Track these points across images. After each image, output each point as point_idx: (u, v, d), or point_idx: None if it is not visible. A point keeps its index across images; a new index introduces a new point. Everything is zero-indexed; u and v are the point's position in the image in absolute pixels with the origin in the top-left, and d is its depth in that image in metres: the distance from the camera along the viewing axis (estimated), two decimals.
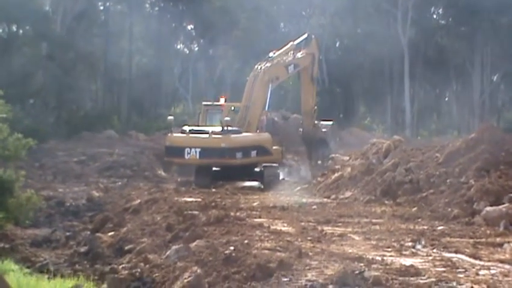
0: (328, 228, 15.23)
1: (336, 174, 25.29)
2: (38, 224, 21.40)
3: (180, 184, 29.76)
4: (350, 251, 12.42)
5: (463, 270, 10.95)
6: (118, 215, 20.55)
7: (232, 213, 16.96)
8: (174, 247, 13.48)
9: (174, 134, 28.81)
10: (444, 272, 10.75)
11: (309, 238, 13.82)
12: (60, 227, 21.08)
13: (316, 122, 35.05)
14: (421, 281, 10.02)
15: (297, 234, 14.36)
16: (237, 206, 19.54)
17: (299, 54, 33.05)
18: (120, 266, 13.83)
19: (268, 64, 31.28)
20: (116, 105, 63.98)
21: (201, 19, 63.52)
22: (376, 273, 10.01)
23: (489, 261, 11.75)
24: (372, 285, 9.61)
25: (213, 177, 28.94)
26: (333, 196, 22.91)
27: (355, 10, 64.36)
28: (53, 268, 14.80)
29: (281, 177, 30.00)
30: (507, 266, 11.31)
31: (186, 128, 28.89)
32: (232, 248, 12.16)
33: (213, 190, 25.77)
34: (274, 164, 29.60)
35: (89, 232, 19.33)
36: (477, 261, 11.70)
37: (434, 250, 12.70)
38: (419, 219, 16.80)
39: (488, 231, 14.77)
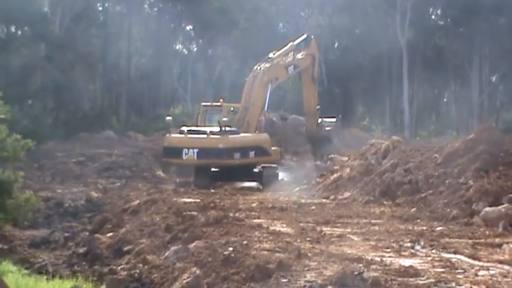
0: (327, 229, 15.21)
1: (335, 175, 25.30)
2: (37, 225, 21.42)
3: (178, 185, 29.75)
4: (349, 251, 12.41)
5: (462, 270, 10.94)
6: (117, 215, 20.54)
7: (231, 214, 16.93)
8: (173, 248, 13.47)
9: (172, 135, 28.83)
10: (443, 272, 10.73)
11: (308, 239, 13.80)
12: (58, 228, 21.11)
13: (319, 121, 35.10)
14: (420, 282, 10.01)
15: (296, 235, 14.34)
16: (236, 207, 19.52)
17: (299, 55, 33.05)
18: (119, 267, 13.83)
19: (267, 65, 31.29)
20: (114, 106, 63.98)
21: (200, 19, 63.51)
22: (375, 274, 10.00)
23: (488, 261, 11.74)
24: (371, 286, 9.59)
25: (212, 178, 28.94)
26: (332, 197, 22.91)
27: (353, 10, 64.31)
28: (51, 269, 14.83)
29: (280, 177, 29.97)
30: (506, 267, 11.30)
31: (184, 129, 28.92)
32: (231, 248, 12.15)
33: (212, 191, 25.75)
34: (273, 165, 29.60)
35: (87, 233, 19.37)
36: (476, 262, 11.68)
37: (434, 251, 12.68)
38: (418, 220, 16.79)
39: (487, 232, 14.76)
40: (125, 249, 15.77)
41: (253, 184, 28.97)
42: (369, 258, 11.60)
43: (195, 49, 73.69)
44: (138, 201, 21.70)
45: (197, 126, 30.06)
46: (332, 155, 32.51)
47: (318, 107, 34.93)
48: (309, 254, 11.91)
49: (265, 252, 11.98)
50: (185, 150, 27.63)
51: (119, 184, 32.02)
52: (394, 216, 17.47)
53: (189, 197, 22.25)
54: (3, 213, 18.40)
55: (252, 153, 28.58)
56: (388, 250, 12.71)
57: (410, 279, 10.15)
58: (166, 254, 13.40)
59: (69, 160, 36.68)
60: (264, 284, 10.31)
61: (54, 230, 20.69)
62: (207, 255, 12.21)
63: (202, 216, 16.26)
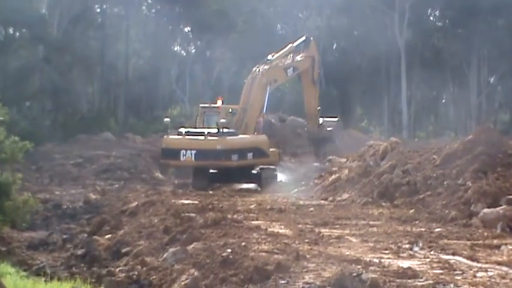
0: (325, 231, 15.22)
1: (333, 176, 25.30)
2: (35, 226, 21.42)
3: (177, 186, 29.73)
4: (347, 253, 12.41)
5: (461, 272, 10.94)
6: (115, 217, 20.54)
7: (229, 216, 16.93)
8: (171, 250, 13.47)
9: (170, 136, 28.82)
10: (442, 274, 10.74)
11: (306, 240, 13.81)
12: (57, 230, 21.11)
13: (321, 121, 35.13)
14: (419, 283, 10.02)
15: (294, 236, 14.34)
16: (234, 209, 19.53)
17: (298, 57, 33.06)
18: (117, 269, 13.83)
19: (266, 67, 31.30)
20: (112, 108, 63.90)
21: (198, 21, 63.45)
22: (373, 276, 10.00)
23: (486, 263, 11.75)
24: None
25: (210, 180, 28.91)
26: (330, 198, 22.91)
27: (351, 12, 64.32)
28: (49, 271, 14.81)
29: (279, 179, 29.95)
30: (504, 268, 11.30)
31: (182, 130, 28.91)
32: (229, 250, 12.15)
33: (210, 192, 25.75)
34: (272, 166, 29.58)
35: (85, 235, 19.36)
36: (474, 263, 11.69)
37: (432, 252, 12.69)
38: (417, 221, 16.80)
39: (485, 233, 14.77)
40: (123, 251, 15.77)
41: (251, 186, 28.96)
42: (368, 259, 11.60)
43: (193, 51, 73.66)
44: (136, 203, 21.70)
45: (195, 127, 30.05)
46: (330, 157, 32.54)
47: (318, 108, 34.96)
48: (308, 256, 11.91)
49: (263, 254, 11.98)
50: (183, 151, 27.62)
51: (117, 186, 32.01)
52: (392, 218, 17.48)
53: (188, 199, 22.25)
54: (1, 215, 18.40)
55: (250, 155, 28.56)
56: (387, 251, 12.72)
57: (409, 280, 10.15)
58: (165, 255, 13.40)
59: (67, 162, 36.66)
60: (263, 286, 10.31)
61: (53, 231, 20.68)
62: (205, 256, 12.20)
63: (200, 218, 16.26)
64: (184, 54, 75.14)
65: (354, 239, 14.14)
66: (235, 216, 17.32)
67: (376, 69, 65.68)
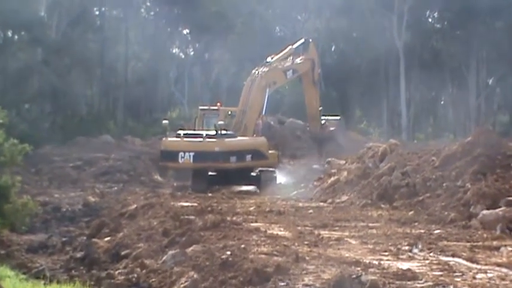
0: (325, 233, 15.21)
1: (332, 178, 25.30)
2: (34, 229, 21.40)
3: (176, 189, 29.76)
4: (347, 255, 12.40)
5: (460, 274, 10.93)
6: (114, 220, 20.53)
7: (228, 218, 16.92)
8: (171, 252, 13.46)
9: (169, 139, 28.84)
10: (441, 275, 10.73)
11: (305, 242, 13.79)
12: (56, 233, 21.08)
13: (323, 121, 35.13)
14: (418, 285, 10.01)
15: (293, 238, 14.33)
16: (234, 211, 19.52)
17: (298, 60, 33.03)
18: (117, 272, 13.82)
19: (265, 69, 31.29)
20: (111, 110, 63.91)
21: (197, 23, 63.46)
22: (373, 278, 9.99)
23: (486, 264, 11.74)
24: None
25: (209, 182, 28.92)
26: (330, 200, 22.90)
27: (350, 14, 64.30)
28: (49, 274, 14.79)
29: (278, 181, 29.94)
30: (504, 270, 11.29)
31: (181, 132, 28.92)
32: (228, 252, 12.14)
33: (209, 195, 25.75)
34: (271, 168, 29.57)
35: (85, 237, 19.35)
36: (474, 265, 11.68)
37: (431, 254, 12.68)
38: (416, 223, 16.79)
39: (485, 235, 14.75)
40: (123, 253, 15.75)
41: (250, 188, 28.93)
42: (367, 261, 11.59)
43: (192, 53, 73.71)
44: (135, 206, 21.70)
45: (194, 130, 30.05)
46: (329, 159, 32.53)
47: (320, 108, 34.96)
48: (307, 258, 11.90)
49: (263, 256, 11.97)
50: (181, 153, 27.65)
51: (116, 188, 32.02)
52: (391, 220, 17.48)
53: (187, 201, 22.25)
54: (0, 218, 18.40)
55: (248, 157, 28.57)
56: (386, 253, 12.71)
57: (408, 282, 10.15)
58: (164, 258, 13.39)
59: (66, 164, 36.68)
60: None
61: (52, 234, 20.66)
62: (204, 259, 12.20)
63: (199, 220, 16.25)
64: (183, 56, 75.19)
65: (353, 241, 14.13)
66: (234, 218, 17.32)
67: (375, 71, 65.68)
